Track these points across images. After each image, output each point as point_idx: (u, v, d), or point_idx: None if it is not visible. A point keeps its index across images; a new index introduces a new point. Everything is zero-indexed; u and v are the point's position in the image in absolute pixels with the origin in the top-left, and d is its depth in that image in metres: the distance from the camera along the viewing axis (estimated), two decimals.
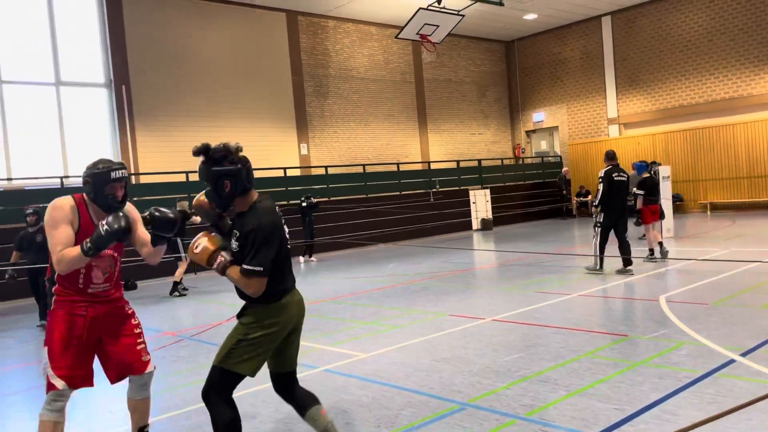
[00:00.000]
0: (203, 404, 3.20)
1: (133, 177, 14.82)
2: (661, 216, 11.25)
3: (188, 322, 8.50)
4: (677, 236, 13.82)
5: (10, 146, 13.71)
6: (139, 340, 3.67)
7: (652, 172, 14.25)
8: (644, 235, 13.65)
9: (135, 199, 14.03)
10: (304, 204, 14.36)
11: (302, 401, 3.49)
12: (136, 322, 3.73)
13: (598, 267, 9.63)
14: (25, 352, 7.58)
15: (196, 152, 3.41)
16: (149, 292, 11.83)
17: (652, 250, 10.49)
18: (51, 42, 14.30)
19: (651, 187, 10.77)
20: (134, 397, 3.72)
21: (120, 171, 3.51)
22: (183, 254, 10.66)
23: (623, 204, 9.58)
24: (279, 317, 3.30)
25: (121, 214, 3.38)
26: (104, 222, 3.30)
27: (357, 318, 7.75)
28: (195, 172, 14.63)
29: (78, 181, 13.83)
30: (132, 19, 15.20)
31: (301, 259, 14.73)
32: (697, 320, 6.29)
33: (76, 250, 3.30)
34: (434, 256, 13.89)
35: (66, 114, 14.49)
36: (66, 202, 3.48)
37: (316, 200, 14.61)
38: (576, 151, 22.44)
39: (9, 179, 13.39)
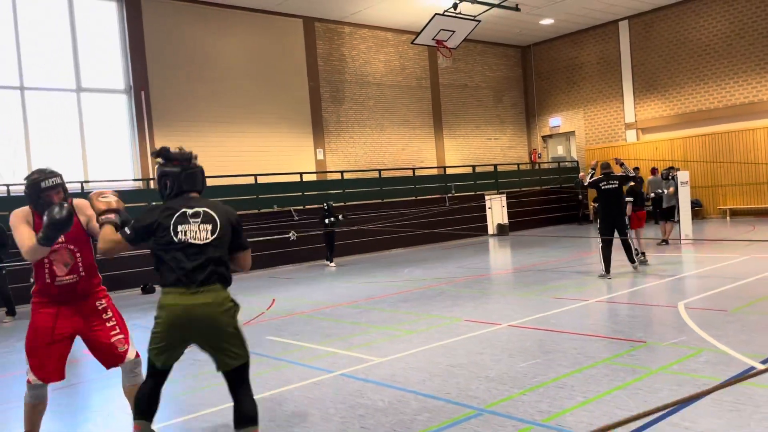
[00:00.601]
0: (221, 407, 3.25)
1: (151, 182, 14.99)
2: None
3: None
4: (695, 242, 13.68)
5: (32, 152, 13.94)
6: (112, 333, 3.92)
7: (670, 178, 14.17)
8: (662, 241, 13.60)
9: (153, 203, 14.18)
10: (327, 221, 14.19)
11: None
12: (109, 315, 3.96)
13: (604, 272, 9.79)
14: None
15: (155, 154, 3.75)
16: None
17: (643, 253, 10.99)
18: (72, 49, 14.54)
19: (638, 194, 11.36)
20: (126, 384, 3.98)
21: (51, 180, 3.89)
22: None
23: (618, 209, 10.13)
24: (161, 313, 3.39)
25: (65, 204, 3.66)
26: (47, 212, 3.63)
27: (373, 322, 7.77)
28: (212, 177, 14.81)
29: (98, 187, 14.04)
30: (151, 26, 15.41)
31: (332, 265, 14.55)
32: (716, 327, 6.22)
33: (33, 240, 3.67)
34: (450, 261, 13.87)
35: (86, 120, 14.71)
36: (21, 209, 3.94)
37: (341, 217, 14.41)
38: (593, 156, 22.26)
39: None
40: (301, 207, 16.15)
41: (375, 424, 4.30)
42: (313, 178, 17.67)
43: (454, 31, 15.63)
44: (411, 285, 10.73)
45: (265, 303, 9.97)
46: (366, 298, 9.72)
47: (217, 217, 3.52)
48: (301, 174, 16.69)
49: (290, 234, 14.22)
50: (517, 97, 24.43)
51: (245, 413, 3.49)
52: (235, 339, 3.42)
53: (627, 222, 10.53)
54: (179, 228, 3.43)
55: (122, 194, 12.74)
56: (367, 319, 8.00)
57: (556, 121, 23.90)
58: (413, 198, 18.61)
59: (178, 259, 3.38)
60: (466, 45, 20.05)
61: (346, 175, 18.05)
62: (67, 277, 3.84)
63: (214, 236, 3.46)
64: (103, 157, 14.89)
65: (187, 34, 16.01)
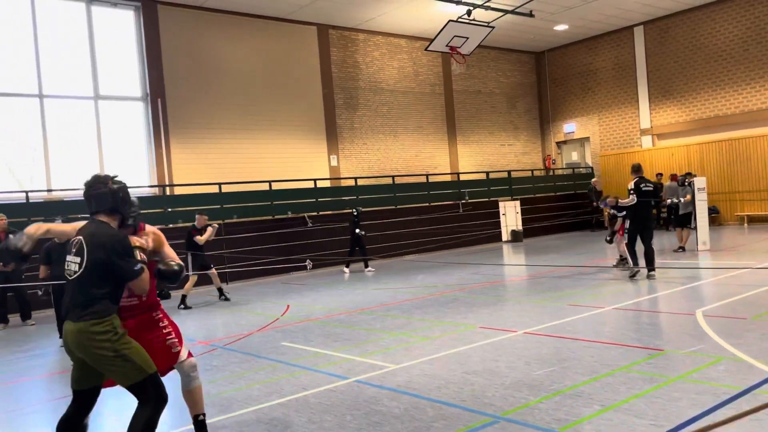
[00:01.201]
0: (235, 413, 3.26)
1: (167, 188, 15.12)
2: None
3: (221, 331, 8.61)
4: (713, 249, 13.54)
5: (50, 158, 14.12)
6: (168, 337, 4.14)
7: (686, 184, 14.06)
8: (679, 248, 13.47)
9: (169, 210, 14.32)
10: (357, 231, 14.14)
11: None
12: (165, 323, 4.21)
13: (632, 265, 10.21)
14: (48, 362, 7.76)
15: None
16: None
17: (624, 258, 11.18)
18: (90, 57, 14.72)
19: (626, 207, 11.59)
20: (183, 388, 4.23)
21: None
22: (191, 271, 10.88)
23: (648, 213, 10.41)
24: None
25: (22, 236, 3.87)
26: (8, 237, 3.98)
27: (387, 329, 7.76)
28: (227, 183, 14.97)
29: None
30: (168, 34, 15.57)
31: (367, 270, 14.41)
32: (735, 335, 6.15)
33: None
34: (464, 267, 13.84)
35: (104, 127, 14.87)
36: None
37: (363, 233, 14.31)
38: (608, 162, 22.17)
39: (49, 190, 13.77)
40: (315, 213, 16.19)
41: (391, 431, 4.29)
42: (327, 184, 17.73)
43: (467, 38, 15.63)
44: (425, 291, 10.71)
45: (280, 309, 10.00)
46: (380, 304, 9.72)
47: (86, 249, 3.59)
48: (315, 180, 16.75)
49: (307, 263, 14.36)
50: (531, 103, 24.37)
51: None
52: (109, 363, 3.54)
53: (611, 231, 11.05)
54: (66, 258, 3.72)
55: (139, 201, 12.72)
56: (381, 326, 7.99)
57: (570, 127, 23.80)
58: (427, 204, 18.59)
59: (67, 284, 3.70)
60: (479, 51, 20.04)
61: (360, 182, 18.08)
62: (126, 299, 4.00)
63: (81, 270, 3.58)
64: (120, 164, 15.03)
65: (203, 42, 16.16)
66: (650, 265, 10.09)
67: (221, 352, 7.18)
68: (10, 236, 4.02)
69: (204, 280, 11.89)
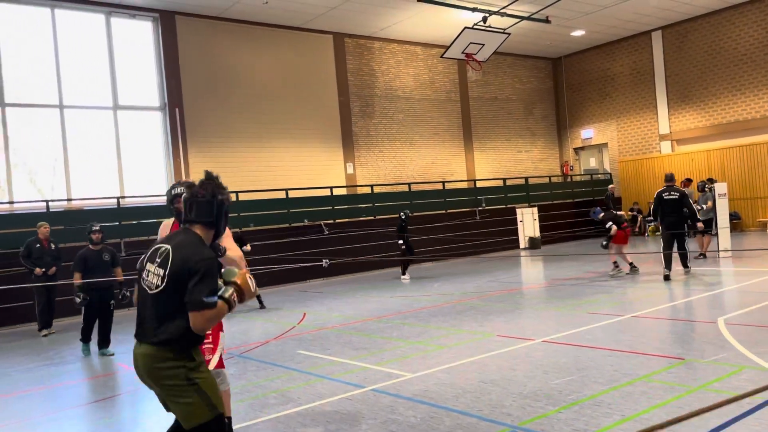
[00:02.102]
0: (251, 422, 3.20)
1: None
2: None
3: (238, 339, 8.62)
4: (734, 255, 13.31)
5: (70, 168, 14.31)
6: (205, 343, 3.94)
7: (707, 190, 13.87)
8: (700, 255, 13.28)
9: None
10: (404, 238, 14.07)
11: None
12: None
13: (666, 270, 10.75)
14: (86, 366, 7.83)
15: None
16: None
17: (616, 263, 11.87)
18: (109, 68, 14.93)
19: (618, 216, 12.10)
20: None
21: (179, 188, 4.32)
22: None
23: (678, 218, 11.08)
24: None
25: None
26: None
27: (404, 337, 7.73)
28: (244, 191, 15.05)
29: (134, 202, 14.32)
30: (185, 44, 15.74)
31: (406, 277, 14.19)
32: (759, 343, 6.02)
33: None
34: (481, 275, 13.75)
35: (123, 136, 15.05)
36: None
37: (404, 245, 14.16)
38: (627, 168, 21.95)
39: (69, 200, 13.95)
40: (332, 221, 16.22)
41: None
42: (343, 192, 17.75)
43: (483, 45, 15.60)
44: (442, 299, 10.65)
45: (296, 317, 10.00)
46: (396, 312, 9.68)
47: (170, 261, 3.05)
48: (331, 188, 16.79)
49: (323, 262, 14.32)
50: (548, 109, 24.24)
51: None
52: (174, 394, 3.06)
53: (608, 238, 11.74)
54: (146, 267, 3.18)
55: (156, 210, 12.94)
56: (398, 334, 7.96)
57: (588, 133, 23.62)
58: (443, 212, 18.53)
59: (140, 301, 3.19)
60: (495, 58, 20.00)
61: (376, 189, 18.08)
62: None
63: (164, 284, 3.03)
64: (139, 173, 15.20)
65: (219, 52, 16.31)
66: (684, 263, 11.07)
67: (237, 360, 7.18)
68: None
69: None
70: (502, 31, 15.73)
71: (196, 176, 15.57)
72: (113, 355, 8.18)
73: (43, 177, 14.31)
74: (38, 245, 10.31)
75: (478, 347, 6.82)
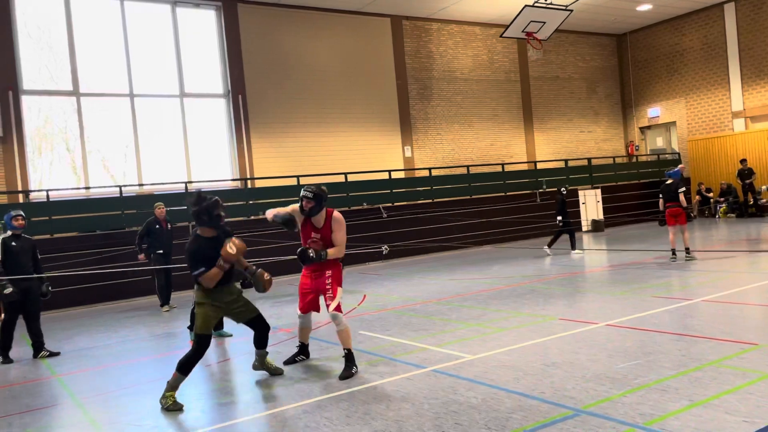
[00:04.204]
0: (318, 399, 3.30)
1: (248, 182, 15.65)
2: (688, 219, 11.88)
3: None
4: None
5: (141, 155, 14.93)
6: (327, 293, 5.78)
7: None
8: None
9: (251, 202, 14.83)
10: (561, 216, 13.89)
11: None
12: (329, 282, 5.81)
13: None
14: (158, 345, 8.23)
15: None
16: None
17: (673, 251, 11.34)
18: (176, 57, 15.42)
19: (665, 191, 11.58)
20: (336, 329, 5.78)
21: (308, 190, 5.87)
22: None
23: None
24: None
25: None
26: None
27: (463, 319, 7.74)
28: (305, 176, 15.31)
29: (200, 186, 14.81)
30: (247, 32, 16.06)
31: (575, 253, 13.81)
32: None
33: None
34: (541, 258, 13.56)
35: (189, 123, 15.55)
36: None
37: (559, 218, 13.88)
38: (697, 147, 21.06)
39: (140, 185, 14.57)
40: (390, 204, 16.31)
41: (469, 420, 4.29)
42: (401, 175, 17.80)
43: (544, 22, 15.24)
44: (501, 282, 10.59)
45: (356, 299, 10.16)
46: (455, 294, 9.70)
47: None
48: (389, 171, 16.86)
49: (383, 248, 14.37)
50: (612, 87, 23.47)
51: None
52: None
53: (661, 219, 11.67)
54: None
55: (221, 193, 13.36)
56: (457, 316, 7.98)
57: (655, 112, 22.75)
58: (503, 194, 18.32)
59: None
60: (557, 35, 19.48)
61: (434, 172, 18.04)
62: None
63: None
64: (205, 159, 15.70)
65: (280, 39, 16.57)
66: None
67: None
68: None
69: (283, 270, 12.21)
70: (564, 8, 15.30)
71: (259, 160, 16.01)
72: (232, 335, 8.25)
73: (115, 163, 14.98)
74: (158, 225, 10.85)
75: (540, 330, 6.77)
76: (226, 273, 5.30)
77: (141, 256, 10.75)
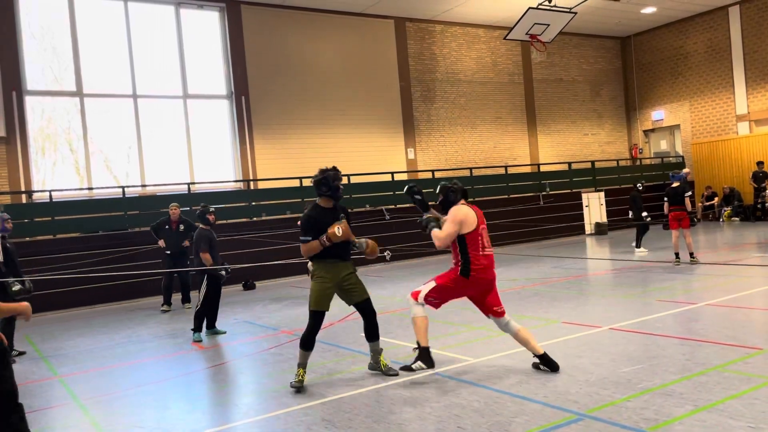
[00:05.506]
0: (317, 401, 3.25)
1: (251, 183, 15.64)
2: (692, 223, 11.64)
3: (304, 321, 8.80)
4: None
5: (144, 155, 14.93)
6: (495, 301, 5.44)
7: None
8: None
9: (253, 203, 14.81)
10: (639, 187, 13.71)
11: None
12: (434, 278, 5.57)
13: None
14: (159, 346, 8.21)
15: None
16: (267, 293, 12.41)
17: (677, 254, 11.27)
18: (179, 58, 15.42)
19: (671, 195, 11.47)
20: (507, 333, 5.51)
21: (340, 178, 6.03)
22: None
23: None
24: None
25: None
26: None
27: (466, 322, 7.71)
28: (308, 177, 15.22)
29: (203, 187, 14.81)
30: (250, 33, 16.06)
31: (639, 251, 13.42)
32: None
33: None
34: (545, 261, 13.52)
35: (192, 125, 15.55)
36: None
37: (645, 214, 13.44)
38: (700, 150, 21.00)
39: (143, 186, 14.57)
40: (393, 206, 16.29)
41: (471, 424, 4.26)
42: (404, 177, 17.77)
43: (548, 25, 15.19)
44: (504, 285, 10.54)
45: None
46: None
47: None
48: (392, 173, 16.83)
49: (386, 254, 14.31)
50: (616, 90, 23.42)
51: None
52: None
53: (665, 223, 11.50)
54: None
55: (224, 195, 13.47)
56: (460, 319, 7.94)
57: (659, 115, 22.70)
58: (506, 197, 18.28)
59: None
60: (561, 38, 19.44)
61: (437, 174, 18.00)
62: (487, 250, 5.45)
63: None
64: (208, 160, 15.70)
65: (283, 40, 16.56)
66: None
67: None
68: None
69: (294, 272, 12.17)
70: (568, 10, 15.27)
71: (262, 162, 16.00)
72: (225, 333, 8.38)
73: (118, 164, 14.99)
74: (167, 226, 10.93)
75: (543, 334, 6.73)
76: (341, 248, 5.51)
77: (161, 242, 11.00)
